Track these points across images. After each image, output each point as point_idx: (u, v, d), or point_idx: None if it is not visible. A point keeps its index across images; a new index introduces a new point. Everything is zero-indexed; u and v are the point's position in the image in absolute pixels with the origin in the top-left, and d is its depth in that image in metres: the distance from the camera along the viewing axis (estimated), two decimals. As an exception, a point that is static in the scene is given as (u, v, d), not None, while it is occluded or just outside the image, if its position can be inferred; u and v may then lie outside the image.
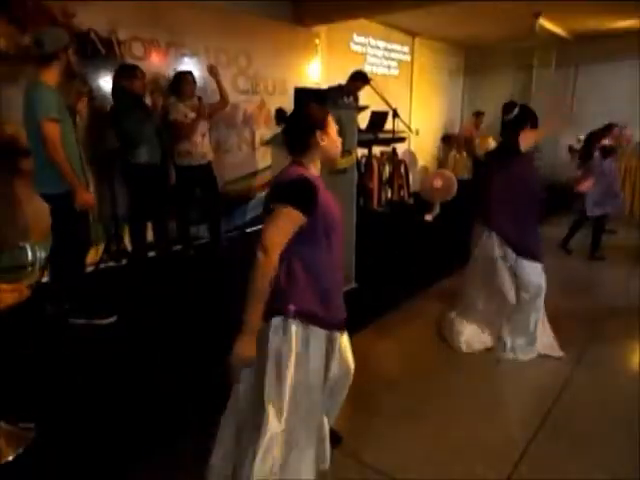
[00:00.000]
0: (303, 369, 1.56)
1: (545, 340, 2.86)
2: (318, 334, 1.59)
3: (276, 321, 1.54)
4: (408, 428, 2.20)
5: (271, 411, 1.51)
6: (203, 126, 4.19)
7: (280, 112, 1.75)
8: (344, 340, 1.78)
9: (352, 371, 1.82)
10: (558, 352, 2.82)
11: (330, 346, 1.67)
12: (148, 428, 2.15)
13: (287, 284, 1.53)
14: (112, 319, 3.16)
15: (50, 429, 2.11)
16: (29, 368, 2.57)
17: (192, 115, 4.08)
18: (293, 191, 1.51)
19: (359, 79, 4.69)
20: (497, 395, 2.50)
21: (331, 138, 1.63)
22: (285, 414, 1.53)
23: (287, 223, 1.49)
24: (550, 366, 2.72)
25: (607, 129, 4.99)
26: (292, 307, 1.52)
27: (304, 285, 1.55)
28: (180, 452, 1.98)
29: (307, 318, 1.55)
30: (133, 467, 1.90)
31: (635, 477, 1.89)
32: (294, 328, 1.53)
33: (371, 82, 4.74)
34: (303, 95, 3.91)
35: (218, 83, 4.24)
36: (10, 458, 1.94)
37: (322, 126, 1.60)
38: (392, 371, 2.73)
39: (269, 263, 1.46)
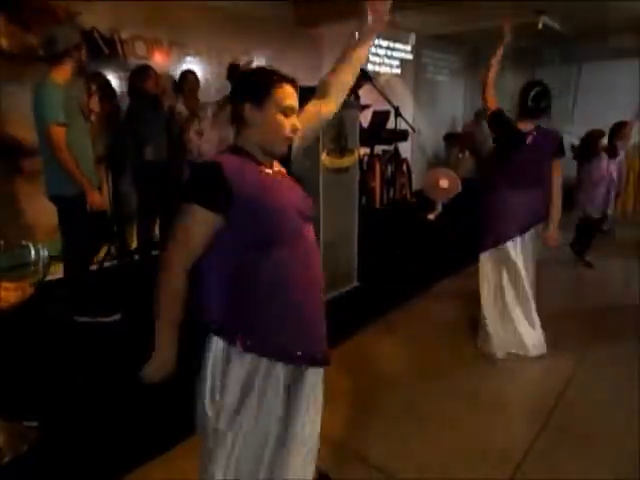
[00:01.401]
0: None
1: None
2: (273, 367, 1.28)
3: (219, 344, 1.28)
4: (410, 428, 2.20)
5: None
6: (198, 125, 4.18)
7: (233, 68, 1.44)
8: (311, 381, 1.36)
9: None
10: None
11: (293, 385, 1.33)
12: (151, 427, 2.16)
13: (230, 308, 1.24)
14: (116, 317, 3.17)
15: (53, 427, 2.12)
16: (32, 366, 2.58)
17: (186, 112, 4.09)
18: (197, 183, 1.20)
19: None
20: (499, 395, 2.50)
21: (267, 118, 1.22)
22: None
23: (194, 226, 1.18)
24: (552, 366, 2.71)
25: (620, 126, 4.66)
26: (241, 341, 1.23)
27: (254, 309, 1.24)
28: (182, 450, 1.99)
29: (262, 351, 1.25)
30: (136, 466, 1.91)
31: (637, 477, 1.89)
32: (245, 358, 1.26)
33: (373, 81, 4.74)
34: (304, 94, 3.91)
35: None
36: (14, 456, 1.94)
37: (257, 99, 1.21)
38: (394, 370, 2.72)
39: (171, 279, 1.19)
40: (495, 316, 2.82)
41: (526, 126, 2.76)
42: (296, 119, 1.26)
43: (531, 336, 2.79)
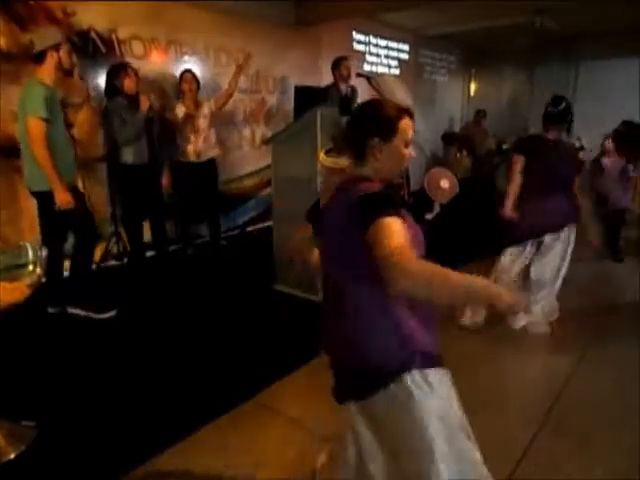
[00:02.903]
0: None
1: None
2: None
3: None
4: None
5: None
6: (198, 124, 4.16)
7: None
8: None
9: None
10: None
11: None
12: (149, 425, 2.15)
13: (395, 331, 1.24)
14: (111, 313, 3.18)
15: (51, 427, 2.11)
16: (30, 366, 2.58)
17: (182, 112, 4.08)
18: (380, 201, 1.19)
19: (338, 65, 4.49)
20: (498, 393, 2.50)
21: (394, 150, 1.27)
22: None
23: (400, 227, 1.15)
24: (552, 364, 2.71)
25: None
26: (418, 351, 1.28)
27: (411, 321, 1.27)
28: (182, 449, 1.98)
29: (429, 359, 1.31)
30: (135, 465, 1.90)
31: (637, 476, 1.89)
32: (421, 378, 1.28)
33: (372, 81, 4.73)
34: (303, 94, 3.91)
35: (237, 74, 4.22)
36: (12, 456, 1.94)
37: (386, 134, 1.25)
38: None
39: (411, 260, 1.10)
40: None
41: (552, 135, 2.92)
42: (412, 149, 1.31)
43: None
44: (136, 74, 3.73)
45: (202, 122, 4.17)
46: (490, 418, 2.28)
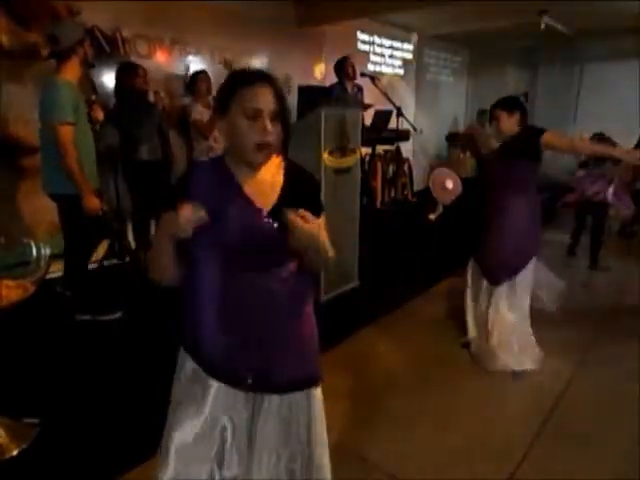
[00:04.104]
0: None
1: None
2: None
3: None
4: (410, 427, 2.20)
5: None
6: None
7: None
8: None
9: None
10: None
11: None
12: (153, 424, 2.16)
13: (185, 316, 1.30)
14: (117, 315, 3.18)
15: (54, 425, 2.12)
16: (33, 364, 2.59)
17: (209, 113, 4.08)
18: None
19: (342, 65, 4.59)
20: (499, 395, 2.50)
21: (231, 125, 1.13)
22: None
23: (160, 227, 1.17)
24: (552, 366, 2.71)
25: None
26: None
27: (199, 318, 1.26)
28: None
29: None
30: (137, 463, 1.91)
31: (636, 477, 1.89)
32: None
33: (375, 81, 4.73)
34: (307, 93, 3.92)
35: None
36: (14, 453, 1.95)
37: (221, 109, 1.15)
38: (393, 370, 2.72)
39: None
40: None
41: None
42: (268, 122, 1.11)
43: None
44: (145, 73, 3.80)
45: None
46: (491, 419, 2.28)
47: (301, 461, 1.32)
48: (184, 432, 1.29)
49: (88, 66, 2.92)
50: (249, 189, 1.18)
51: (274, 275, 1.22)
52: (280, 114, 1.13)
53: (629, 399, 2.41)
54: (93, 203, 2.81)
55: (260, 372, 1.24)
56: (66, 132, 2.65)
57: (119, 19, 4.02)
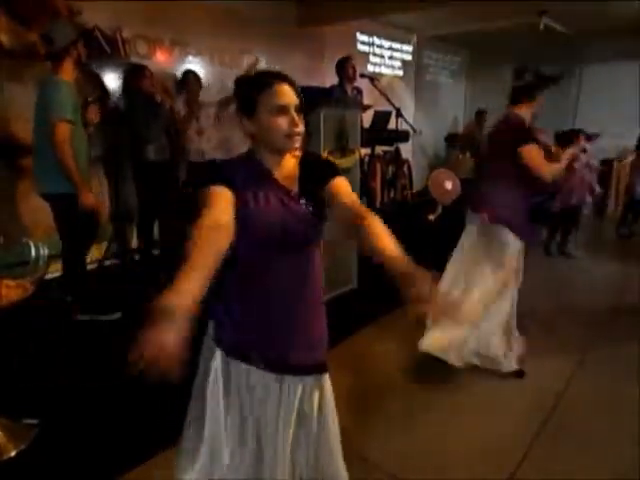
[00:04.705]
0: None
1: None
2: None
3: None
4: (410, 427, 2.20)
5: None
6: (198, 124, 4.18)
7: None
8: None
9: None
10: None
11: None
12: (152, 425, 2.16)
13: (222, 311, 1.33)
14: (117, 315, 3.18)
15: (53, 426, 2.12)
16: (33, 364, 2.58)
17: (184, 110, 4.09)
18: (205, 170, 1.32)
19: (343, 66, 4.57)
20: (499, 395, 2.49)
21: (263, 123, 1.22)
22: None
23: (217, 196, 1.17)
24: (552, 366, 2.71)
25: None
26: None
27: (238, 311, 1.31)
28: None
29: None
30: (137, 464, 1.91)
31: (636, 477, 1.89)
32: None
33: (375, 82, 4.74)
34: (307, 94, 3.91)
35: None
36: (12, 454, 1.94)
37: (248, 111, 1.24)
38: (394, 371, 2.72)
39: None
40: None
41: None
42: (295, 115, 1.22)
43: None
44: (152, 75, 3.84)
45: (204, 122, 4.19)
46: (491, 419, 2.28)
47: (315, 447, 1.41)
48: (216, 421, 1.33)
49: (82, 67, 2.96)
50: (279, 177, 1.28)
51: (306, 257, 1.31)
52: (301, 107, 1.25)
53: (629, 399, 2.40)
54: (89, 199, 2.83)
55: (291, 354, 1.32)
56: (64, 130, 2.66)
57: (119, 19, 4.02)
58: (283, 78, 1.24)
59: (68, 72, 2.77)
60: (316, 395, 1.39)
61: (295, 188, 1.29)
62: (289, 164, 1.31)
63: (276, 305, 1.29)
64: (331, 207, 1.26)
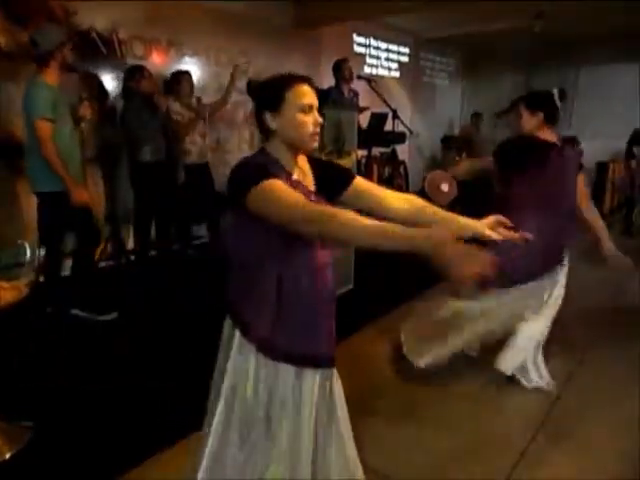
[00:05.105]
0: None
1: None
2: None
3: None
4: (407, 429, 2.20)
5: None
6: (202, 126, 4.19)
7: (251, 83, 1.37)
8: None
9: None
10: None
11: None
12: (148, 427, 2.15)
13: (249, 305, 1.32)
14: (113, 315, 3.18)
15: (47, 428, 2.11)
16: (27, 366, 2.57)
17: (189, 115, 4.08)
18: (248, 172, 1.21)
19: (339, 67, 4.58)
20: (496, 396, 2.50)
21: (288, 120, 1.25)
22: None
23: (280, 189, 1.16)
24: (551, 366, 2.72)
25: None
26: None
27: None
28: (179, 449, 1.98)
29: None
30: (133, 466, 1.90)
31: (636, 477, 1.89)
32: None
33: (372, 83, 4.75)
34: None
35: (231, 83, 4.21)
36: (7, 457, 1.93)
37: (273, 105, 1.26)
38: (390, 372, 2.72)
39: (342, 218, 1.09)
40: None
41: (550, 136, 2.33)
42: (317, 115, 1.28)
43: None
44: (151, 75, 3.83)
45: (203, 124, 4.19)
46: (488, 419, 2.28)
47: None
48: (246, 404, 1.33)
49: (69, 69, 2.98)
50: (297, 177, 1.32)
51: (329, 251, 1.40)
52: (319, 108, 1.30)
53: (628, 399, 2.41)
54: (80, 195, 2.86)
55: (316, 347, 1.36)
56: (44, 127, 2.73)
57: (115, 20, 4.01)
58: (307, 80, 1.29)
59: (52, 75, 2.82)
60: (328, 386, 1.43)
61: (312, 188, 1.34)
62: (304, 165, 1.36)
63: (306, 299, 1.32)
64: (364, 201, 1.39)
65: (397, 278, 4.13)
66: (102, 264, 3.98)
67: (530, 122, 2.32)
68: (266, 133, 1.29)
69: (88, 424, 2.14)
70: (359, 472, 1.55)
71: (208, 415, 1.44)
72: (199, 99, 4.19)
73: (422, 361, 2.50)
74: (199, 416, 2.18)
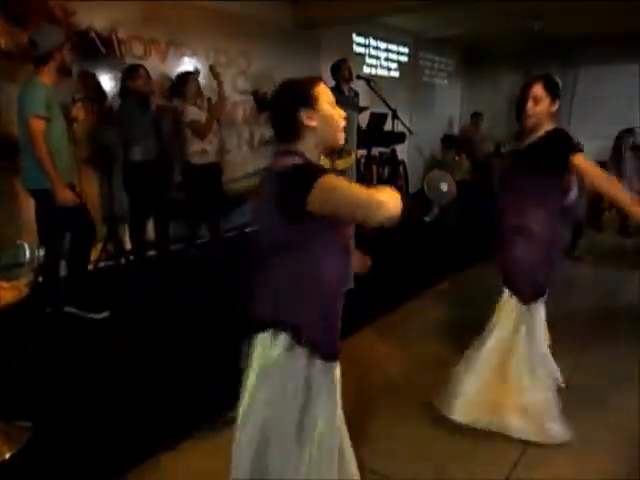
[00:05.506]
0: None
1: None
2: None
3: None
4: (406, 429, 2.20)
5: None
6: (215, 126, 4.19)
7: (258, 95, 1.47)
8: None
9: None
10: None
11: None
12: (145, 426, 2.15)
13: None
14: (104, 314, 3.20)
15: (47, 428, 2.11)
16: (25, 366, 2.57)
17: (205, 115, 4.07)
18: (305, 174, 1.22)
19: (339, 68, 4.57)
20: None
21: (325, 115, 1.29)
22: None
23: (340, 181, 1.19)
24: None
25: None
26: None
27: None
28: (179, 450, 1.98)
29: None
30: (131, 466, 1.90)
31: (636, 478, 1.89)
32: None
33: (371, 83, 4.74)
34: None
35: (219, 84, 4.22)
36: (6, 457, 1.93)
37: (308, 102, 1.27)
38: (389, 372, 2.73)
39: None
40: None
41: None
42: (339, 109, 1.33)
43: None
44: (148, 75, 3.82)
45: (216, 124, 4.20)
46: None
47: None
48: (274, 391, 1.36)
49: (66, 71, 3.02)
50: None
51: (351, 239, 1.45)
52: None
53: (626, 400, 2.41)
54: (64, 194, 2.88)
55: (337, 341, 1.39)
56: (37, 125, 2.77)
57: (115, 20, 4.01)
58: (321, 80, 1.37)
59: (48, 75, 2.86)
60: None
61: None
62: (324, 162, 1.39)
63: (338, 295, 1.37)
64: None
65: (397, 278, 4.13)
66: (102, 264, 3.98)
67: (550, 109, 2.04)
68: (297, 132, 1.29)
69: (88, 424, 2.14)
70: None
71: (242, 417, 1.47)
72: (210, 99, 4.18)
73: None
74: (199, 416, 2.19)
